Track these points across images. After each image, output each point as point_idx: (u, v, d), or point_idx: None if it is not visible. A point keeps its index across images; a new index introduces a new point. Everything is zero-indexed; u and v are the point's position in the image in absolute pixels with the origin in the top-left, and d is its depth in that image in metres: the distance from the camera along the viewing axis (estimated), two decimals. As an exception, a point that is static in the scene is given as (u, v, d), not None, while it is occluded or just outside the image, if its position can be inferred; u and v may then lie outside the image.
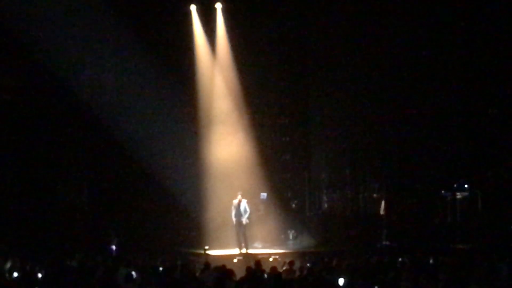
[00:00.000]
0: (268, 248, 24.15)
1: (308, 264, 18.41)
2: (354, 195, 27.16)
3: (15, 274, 16.17)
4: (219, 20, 26.08)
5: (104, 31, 25.22)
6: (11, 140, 25.43)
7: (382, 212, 25.79)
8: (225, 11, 26.04)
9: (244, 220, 23.22)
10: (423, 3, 25.55)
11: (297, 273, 16.20)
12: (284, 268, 17.37)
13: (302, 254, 22.47)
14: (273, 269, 16.43)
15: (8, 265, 17.35)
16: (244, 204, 23.31)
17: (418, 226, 24.96)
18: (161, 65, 25.48)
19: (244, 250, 23.14)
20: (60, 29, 24.56)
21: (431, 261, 18.59)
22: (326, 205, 27.37)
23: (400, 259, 18.47)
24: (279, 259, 21.43)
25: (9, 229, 24.03)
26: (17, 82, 26.21)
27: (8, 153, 25.35)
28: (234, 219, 23.29)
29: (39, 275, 15.96)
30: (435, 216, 25.64)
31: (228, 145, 25.62)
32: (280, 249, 24.02)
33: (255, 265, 16.22)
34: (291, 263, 17.66)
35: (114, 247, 23.76)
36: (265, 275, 15.55)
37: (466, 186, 25.37)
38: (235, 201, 23.33)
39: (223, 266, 16.28)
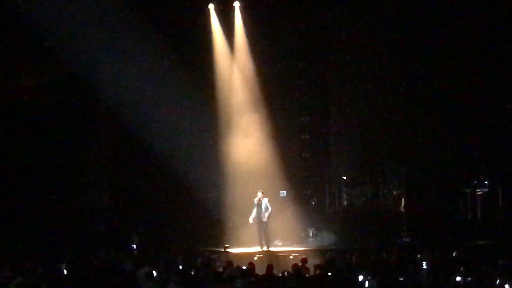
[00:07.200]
0: (288, 246, 24.17)
1: (327, 261, 18.35)
2: (374, 192, 27.08)
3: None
4: (237, 18, 26.13)
5: (123, 31, 25.28)
6: (32, 140, 25.57)
7: (402, 208, 25.74)
8: (243, 9, 26.08)
9: (264, 217, 23.23)
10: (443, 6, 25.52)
11: (316, 270, 16.16)
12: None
13: (322, 251, 22.46)
14: (294, 266, 16.47)
15: None
16: (265, 203, 23.32)
17: (438, 222, 24.92)
18: (180, 64, 25.54)
19: (265, 248, 23.17)
20: (80, 29, 24.68)
21: (454, 254, 18.60)
22: (346, 202, 27.30)
23: (419, 256, 18.48)
24: (300, 256, 21.39)
25: (30, 227, 24.22)
26: (37, 83, 26.40)
27: (29, 153, 25.50)
28: (253, 217, 23.31)
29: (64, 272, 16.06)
30: (456, 212, 25.57)
31: (247, 143, 25.66)
32: (300, 246, 24.04)
33: (266, 270, 16.08)
34: (303, 261, 17.63)
35: (135, 246, 23.90)
36: (286, 273, 15.58)
37: (486, 182, 25.28)
38: (256, 200, 23.37)
39: (251, 264, 16.34)
